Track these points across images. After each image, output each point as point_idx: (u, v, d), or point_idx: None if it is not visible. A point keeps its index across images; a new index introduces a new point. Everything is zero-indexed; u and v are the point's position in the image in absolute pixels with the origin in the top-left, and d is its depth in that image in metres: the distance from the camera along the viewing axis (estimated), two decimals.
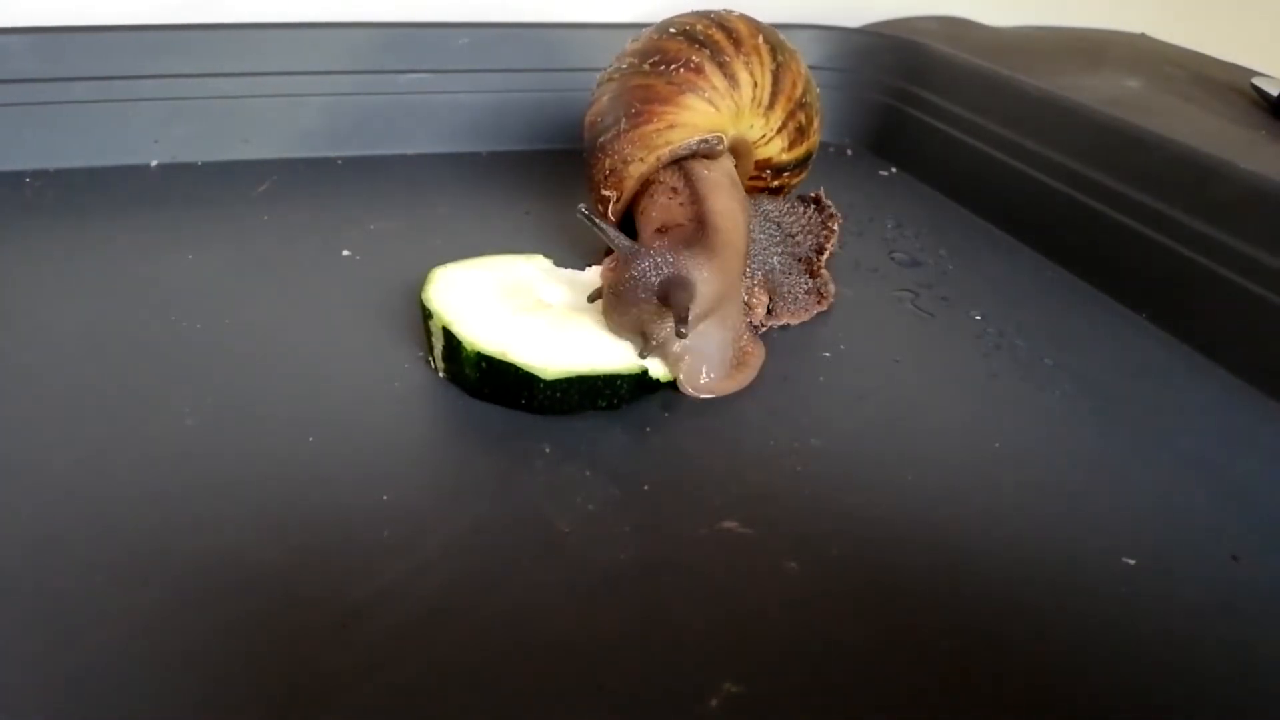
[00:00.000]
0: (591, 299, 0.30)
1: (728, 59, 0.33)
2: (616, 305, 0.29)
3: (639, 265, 0.28)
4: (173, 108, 0.44)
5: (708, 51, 0.33)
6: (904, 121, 0.52)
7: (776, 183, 0.38)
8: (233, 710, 0.19)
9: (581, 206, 0.29)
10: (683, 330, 0.27)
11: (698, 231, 0.30)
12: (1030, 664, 0.21)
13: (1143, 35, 0.60)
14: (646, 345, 0.28)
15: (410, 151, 0.48)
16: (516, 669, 0.20)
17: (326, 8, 0.50)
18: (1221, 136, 0.39)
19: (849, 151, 0.54)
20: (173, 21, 0.44)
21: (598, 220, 0.29)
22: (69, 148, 0.43)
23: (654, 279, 0.28)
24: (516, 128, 0.50)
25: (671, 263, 0.28)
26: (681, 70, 0.33)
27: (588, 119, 0.35)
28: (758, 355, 0.31)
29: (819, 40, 0.54)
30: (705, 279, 0.29)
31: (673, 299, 0.28)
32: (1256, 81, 0.47)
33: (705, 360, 0.29)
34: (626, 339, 0.29)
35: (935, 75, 0.51)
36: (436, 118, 0.48)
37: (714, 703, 0.20)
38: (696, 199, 0.32)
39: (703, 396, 0.29)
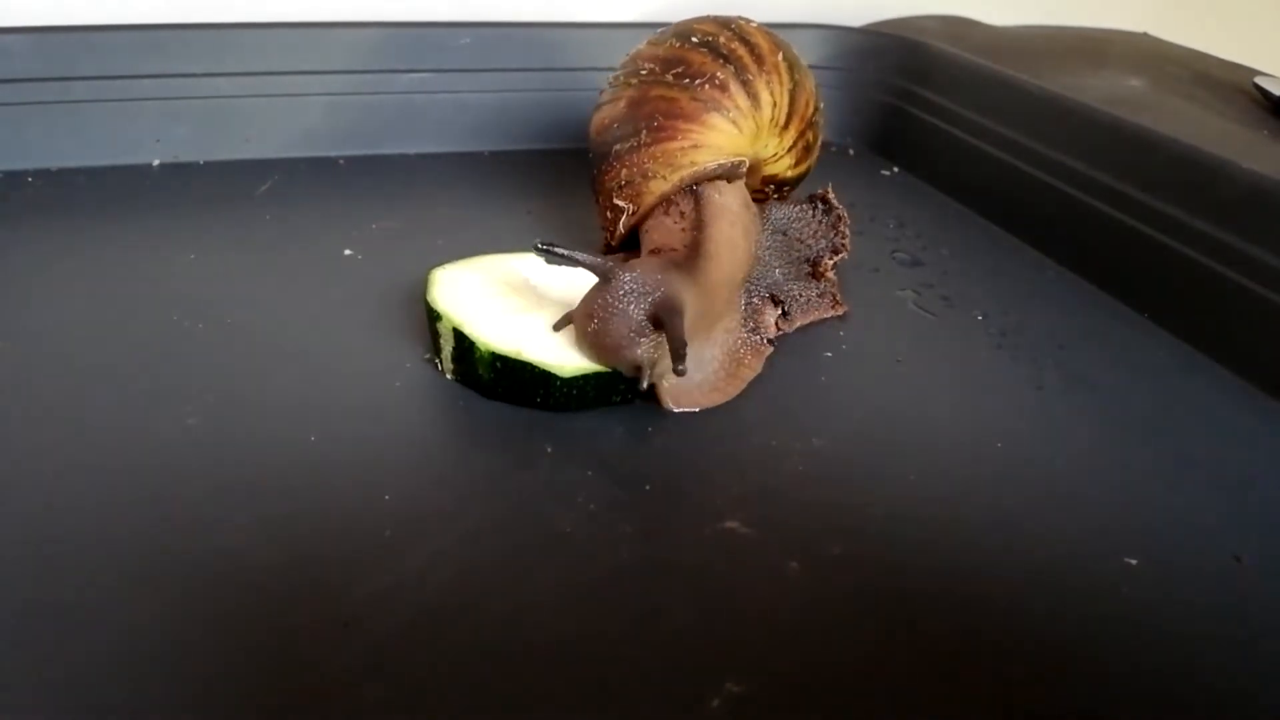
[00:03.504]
0: (558, 327, 0.28)
1: (751, 77, 0.33)
2: (602, 334, 0.27)
3: (620, 285, 0.27)
4: (174, 107, 0.44)
5: (732, 68, 0.33)
6: (906, 121, 0.52)
7: (776, 196, 0.38)
8: (233, 710, 0.19)
9: (538, 242, 0.27)
10: (680, 368, 0.26)
11: (689, 258, 0.30)
12: (1031, 664, 0.21)
13: (1145, 35, 0.60)
14: (645, 375, 0.27)
15: (412, 151, 0.48)
16: (518, 669, 0.20)
17: (328, 7, 0.50)
18: (1224, 136, 0.39)
19: (851, 151, 0.54)
20: (174, 21, 0.44)
21: (558, 250, 0.27)
22: (70, 147, 0.43)
23: (643, 303, 0.27)
24: (518, 127, 0.50)
25: (659, 281, 0.27)
26: (706, 86, 0.32)
27: (599, 121, 0.35)
28: (750, 369, 0.31)
29: (821, 40, 0.54)
30: (689, 301, 0.28)
31: (668, 327, 0.26)
32: (1259, 81, 0.46)
33: (693, 379, 0.29)
34: (611, 366, 0.28)
35: (937, 75, 0.51)
36: (438, 117, 0.48)
37: (715, 702, 0.20)
38: (699, 225, 0.31)
39: (680, 410, 0.29)
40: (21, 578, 0.21)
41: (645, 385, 0.27)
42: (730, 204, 0.33)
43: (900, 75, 0.53)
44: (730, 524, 0.25)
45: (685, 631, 0.21)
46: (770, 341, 0.32)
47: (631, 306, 0.27)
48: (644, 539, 0.24)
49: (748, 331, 0.32)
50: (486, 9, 0.52)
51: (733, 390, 0.30)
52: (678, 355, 0.26)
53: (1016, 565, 0.24)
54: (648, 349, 0.27)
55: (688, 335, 0.27)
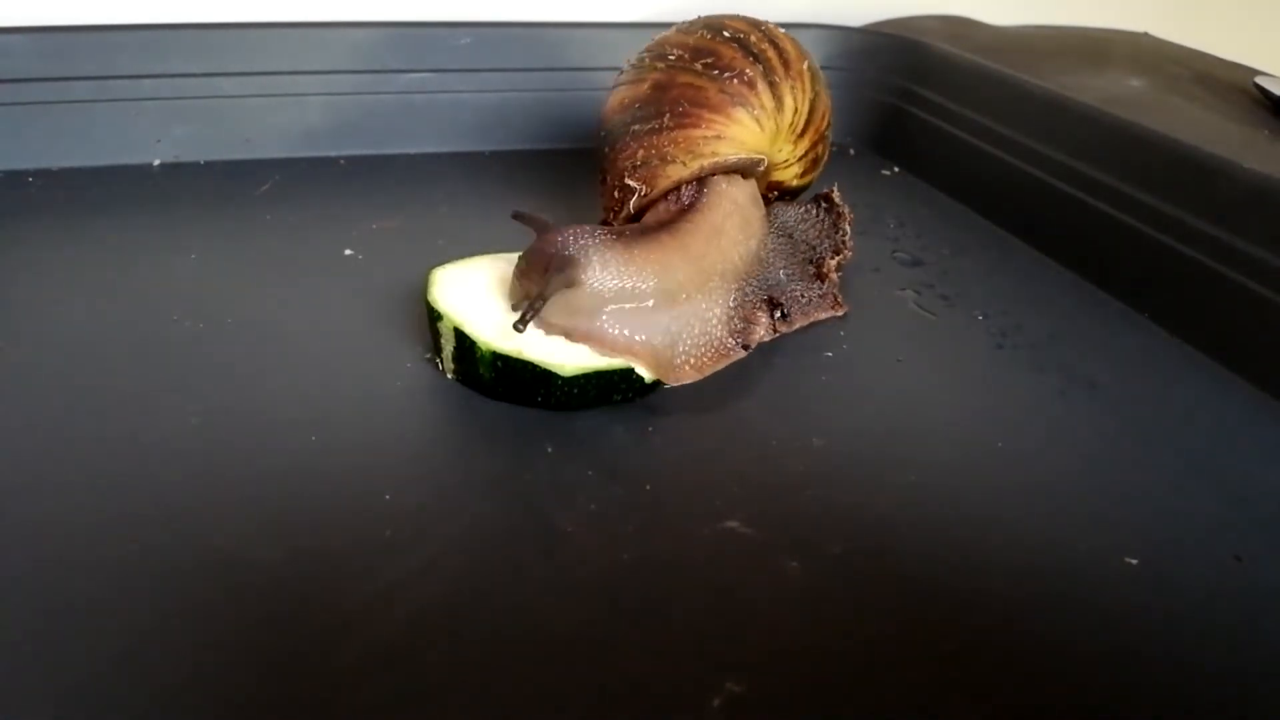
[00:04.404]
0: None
1: (778, 80, 0.33)
2: (516, 275, 0.29)
3: (545, 238, 0.28)
4: (175, 107, 0.44)
5: (761, 67, 0.33)
6: (906, 121, 0.52)
7: (779, 203, 0.38)
8: (233, 710, 0.19)
9: (514, 212, 0.30)
10: (529, 313, 0.27)
11: (649, 231, 0.30)
12: (1032, 664, 0.21)
13: (1146, 34, 0.60)
14: (527, 309, 0.27)
15: (412, 151, 0.48)
16: (518, 669, 0.20)
17: (329, 7, 0.50)
18: (1224, 136, 0.39)
19: (851, 151, 0.54)
20: (175, 21, 0.44)
21: (522, 212, 0.30)
22: (71, 147, 0.43)
23: (551, 251, 0.28)
24: (518, 127, 0.50)
25: (578, 244, 0.28)
26: (735, 81, 0.32)
27: (617, 99, 0.34)
28: (697, 372, 0.30)
29: (822, 39, 0.54)
30: (606, 260, 0.28)
31: (550, 272, 0.27)
32: (1259, 81, 0.46)
33: (633, 339, 0.29)
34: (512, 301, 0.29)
35: (938, 75, 0.51)
36: (438, 117, 0.48)
37: (716, 702, 0.20)
38: (689, 209, 0.32)
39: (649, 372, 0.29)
40: (22, 578, 0.21)
41: (520, 319, 0.27)
42: (735, 195, 0.33)
43: (900, 75, 0.53)
44: (730, 524, 0.25)
45: (686, 631, 0.21)
46: (745, 347, 0.31)
47: (543, 253, 0.28)
48: (644, 539, 0.24)
49: (724, 331, 0.31)
50: (486, 9, 0.52)
51: (661, 377, 0.29)
52: (536, 296, 0.27)
53: (1016, 565, 0.24)
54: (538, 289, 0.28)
55: (604, 299, 0.28)
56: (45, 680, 0.19)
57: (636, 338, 0.29)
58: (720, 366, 0.31)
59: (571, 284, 0.28)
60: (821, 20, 0.55)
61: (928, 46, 0.52)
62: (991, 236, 0.44)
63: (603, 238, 0.29)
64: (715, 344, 0.31)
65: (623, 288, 0.28)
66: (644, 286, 0.29)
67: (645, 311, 0.29)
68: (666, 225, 0.31)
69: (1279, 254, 0.33)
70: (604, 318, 0.28)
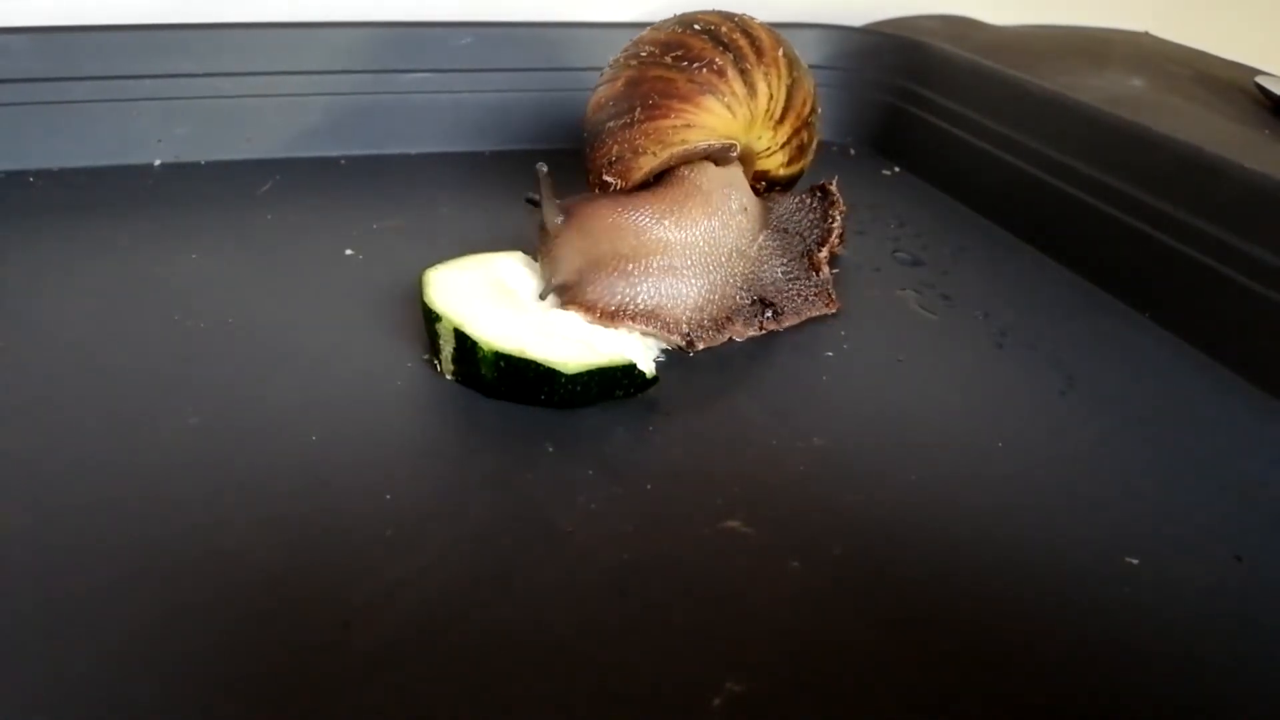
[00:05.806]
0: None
1: (749, 67, 0.33)
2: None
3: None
4: (176, 107, 0.44)
5: (731, 56, 0.33)
6: (907, 121, 0.52)
7: (775, 195, 0.38)
8: (234, 710, 0.19)
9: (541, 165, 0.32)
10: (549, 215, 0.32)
11: (601, 198, 0.32)
12: (1032, 664, 0.21)
13: (1146, 34, 0.60)
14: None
15: (413, 151, 0.48)
16: (518, 669, 0.20)
17: (329, 7, 0.50)
18: (1225, 136, 0.38)
19: (852, 151, 0.54)
20: (176, 21, 0.44)
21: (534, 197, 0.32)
22: (72, 147, 0.43)
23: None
24: (519, 127, 0.50)
25: (576, 209, 0.32)
26: (704, 70, 0.33)
27: (596, 100, 0.35)
28: (644, 328, 0.31)
29: (822, 39, 0.54)
30: (574, 236, 0.31)
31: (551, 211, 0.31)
32: (1260, 80, 0.46)
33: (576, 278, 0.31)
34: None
35: (938, 74, 0.51)
36: (439, 117, 0.48)
37: (716, 702, 0.20)
38: (646, 189, 0.33)
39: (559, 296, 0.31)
40: (21, 578, 0.21)
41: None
42: (699, 180, 0.33)
43: (900, 75, 0.53)
44: (731, 523, 0.25)
45: (686, 631, 0.21)
46: (689, 342, 0.31)
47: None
48: (644, 538, 0.24)
49: (681, 314, 0.31)
50: (486, 9, 0.52)
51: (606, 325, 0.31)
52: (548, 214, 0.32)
53: (1017, 565, 0.24)
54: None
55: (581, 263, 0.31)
56: (44, 678, 0.19)
57: (586, 286, 0.31)
58: (660, 342, 0.31)
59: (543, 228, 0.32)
60: (821, 20, 0.55)
61: (928, 46, 0.52)
62: (991, 236, 0.44)
63: (569, 200, 0.33)
64: (665, 318, 0.31)
65: (564, 239, 0.31)
66: (580, 245, 0.31)
67: (587, 263, 0.31)
68: (617, 196, 0.32)
69: (1278, 254, 0.33)
70: (561, 263, 0.31)
